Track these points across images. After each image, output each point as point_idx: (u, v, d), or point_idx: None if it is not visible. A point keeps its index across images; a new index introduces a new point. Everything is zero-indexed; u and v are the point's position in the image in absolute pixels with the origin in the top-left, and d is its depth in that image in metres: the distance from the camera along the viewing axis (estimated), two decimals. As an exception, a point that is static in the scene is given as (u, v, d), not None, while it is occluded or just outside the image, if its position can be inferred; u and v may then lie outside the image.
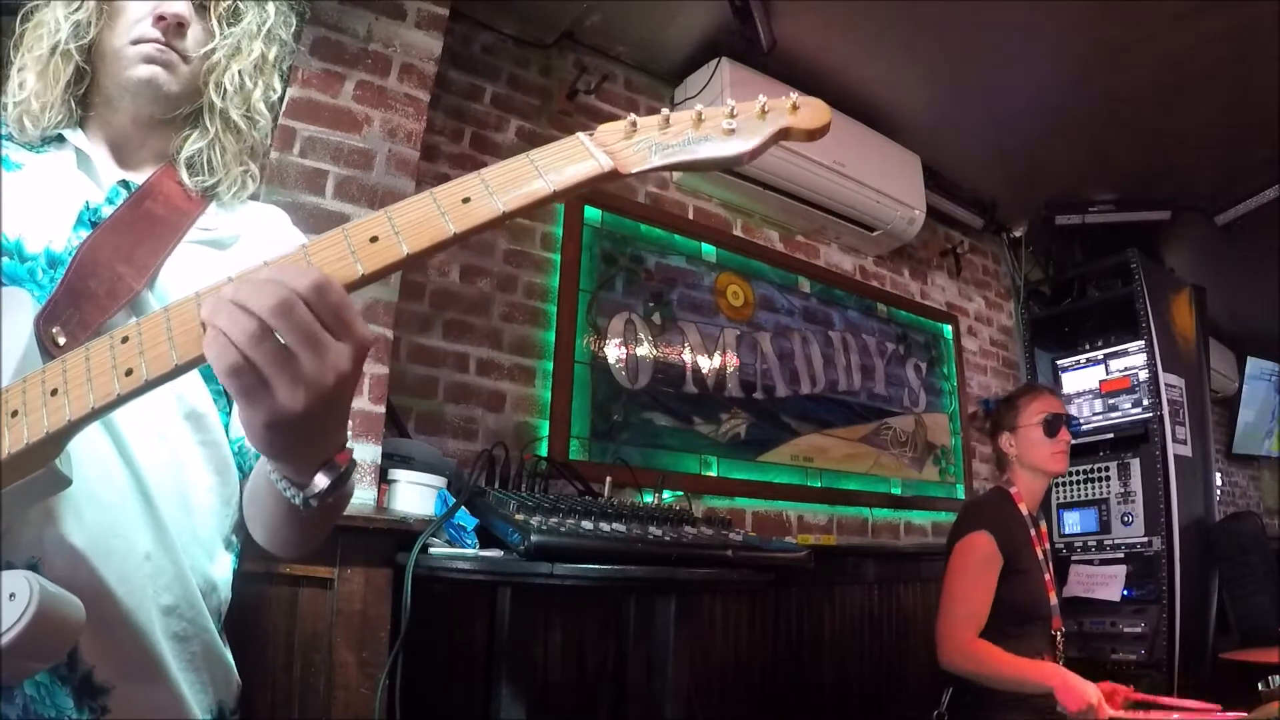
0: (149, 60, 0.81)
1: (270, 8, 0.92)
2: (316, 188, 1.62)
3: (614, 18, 2.36)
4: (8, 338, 0.65)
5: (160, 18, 0.81)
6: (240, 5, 0.89)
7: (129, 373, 0.55)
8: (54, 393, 0.57)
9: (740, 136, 0.59)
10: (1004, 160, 3.14)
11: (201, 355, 0.54)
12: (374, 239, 0.56)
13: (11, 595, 0.54)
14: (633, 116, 0.61)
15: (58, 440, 0.58)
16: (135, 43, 0.81)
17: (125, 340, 0.57)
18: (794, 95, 0.62)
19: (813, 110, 0.62)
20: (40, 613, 0.54)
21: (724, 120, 0.60)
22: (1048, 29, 2.35)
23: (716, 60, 2.41)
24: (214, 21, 0.86)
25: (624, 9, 2.32)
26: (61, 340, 0.68)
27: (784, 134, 0.61)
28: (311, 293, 0.51)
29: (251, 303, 0.50)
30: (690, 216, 2.60)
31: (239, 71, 0.87)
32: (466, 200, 0.57)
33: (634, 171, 0.59)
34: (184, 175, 0.86)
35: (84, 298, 0.72)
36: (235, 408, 0.83)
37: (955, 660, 1.77)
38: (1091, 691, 1.59)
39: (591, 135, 0.60)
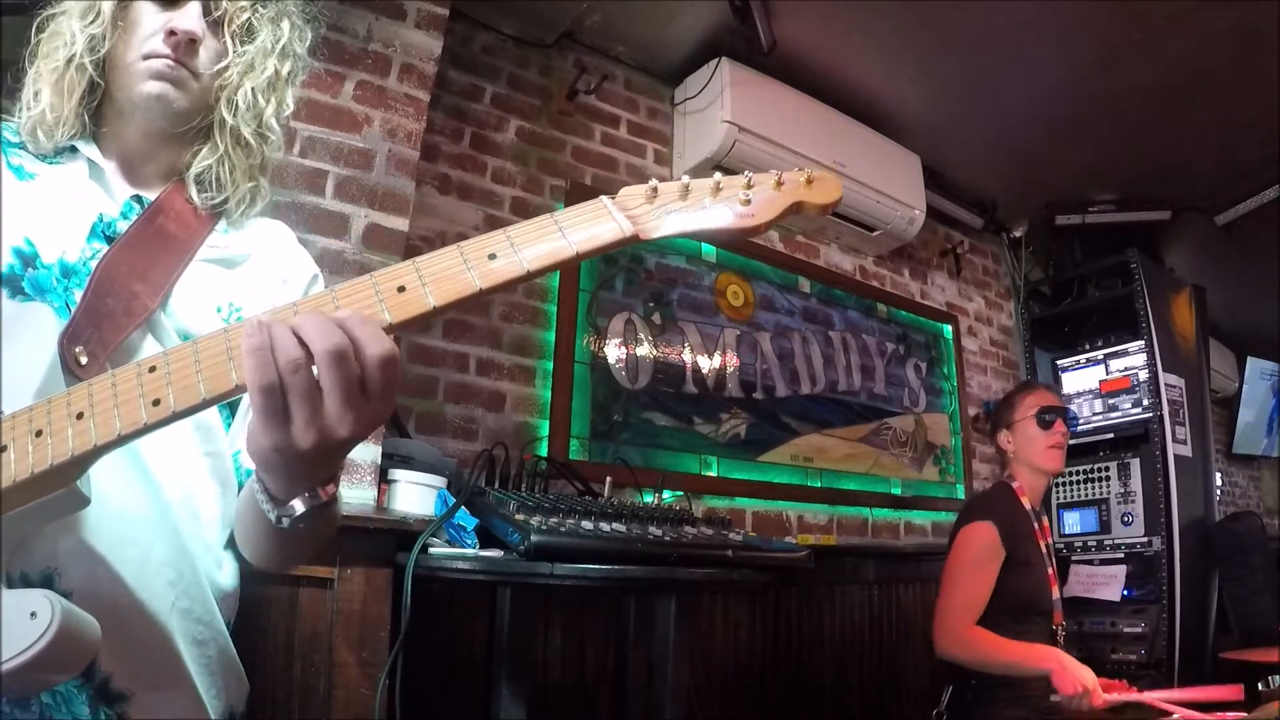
0: (159, 76, 0.82)
1: (285, 25, 0.91)
2: (316, 188, 1.62)
3: (614, 18, 2.36)
4: (33, 355, 0.66)
5: (171, 33, 0.81)
6: (254, 23, 0.88)
7: (157, 403, 0.57)
8: (80, 416, 0.58)
9: (755, 207, 0.62)
10: (1004, 160, 3.14)
11: (229, 390, 0.56)
12: (401, 289, 0.57)
13: (33, 614, 0.55)
14: (654, 182, 0.63)
15: (82, 463, 0.59)
16: (146, 58, 0.81)
17: (153, 370, 0.58)
18: (808, 169, 0.64)
19: (826, 185, 0.64)
20: (61, 632, 0.56)
21: (741, 191, 0.62)
22: (1048, 29, 2.35)
23: (716, 60, 2.41)
24: (227, 39, 0.86)
25: (624, 9, 2.32)
26: (83, 360, 0.69)
27: (798, 207, 0.63)
28: (374, 361, 0.53)
29: (311, 337, 0.52)
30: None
31: (252, 89, 0.87)
32: (492, 256, 0.58)
33: (653, 236, 0.61)
34: (193, 192, 0.86)
35: (103, 316, 0.72)
36: (235, 419, 0.84)
37: (951, 648, 1.76)
38: (1088, 676, 1.59)
39: (614, 199, 0.62)
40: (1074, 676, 1.59)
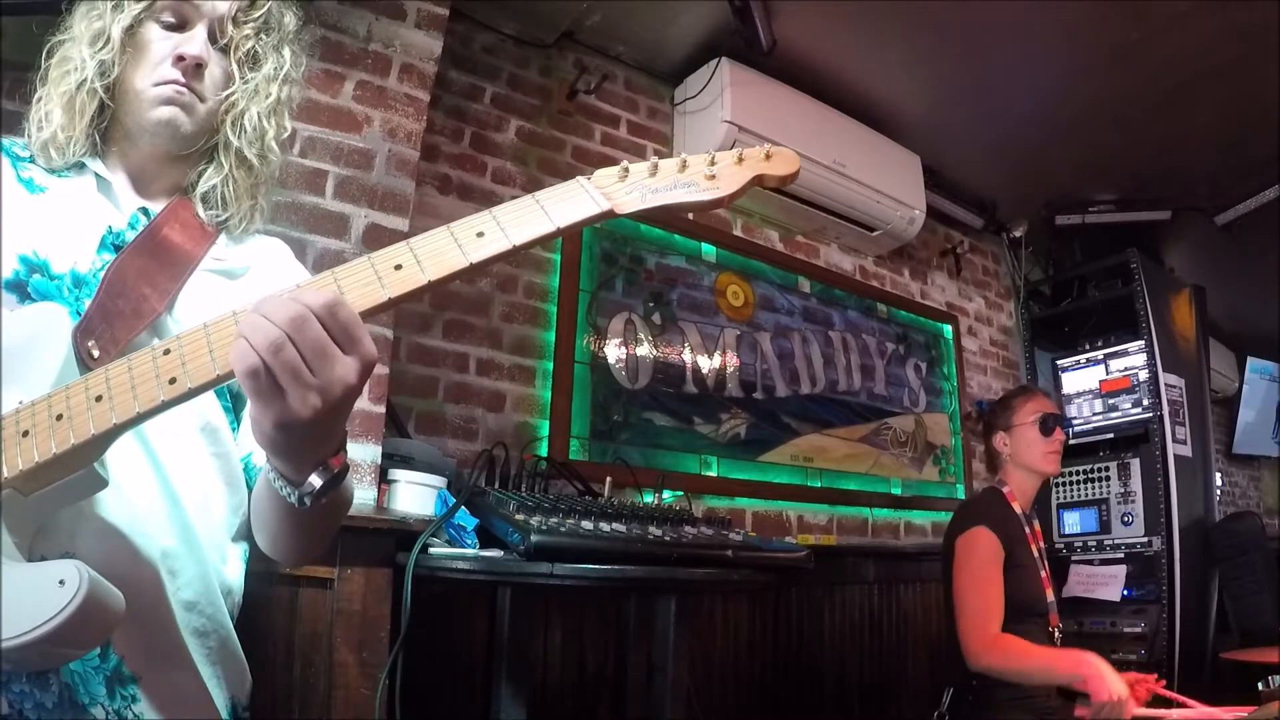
0: (169, 102, 0.85)
1: (287, 53, 0.96)
2: (316, 188, 1.62)
3: (614, 18, 2.36)
4: (48, 349, 0.70)
5: (180, 59, 0.85)
6: (259, 50, 0.92)
7: (173, 381, 0.60)
8: (98, 399, 0.61)
9: (720, 181, 0.68)
10: (1004, 160, 3.14)
11: None
12: (398, 266, 0.62)
13: (61, 581, 0.58)
14: (625, 163, 0.69)
15: (102, 443, 0.62)
16: (157, 84, 0.85)
17: (167, 352, 0.61)
18: (767, 145, 0.71)
19: (784, 158, 0.71)
20: (88, 599, 0.58)
21: (706, 167, 0.68)
22: (1048, 29, 2.35)
23: (716, 60, 2.41)
24: (234, 65, 0.90)
25: (624, 9, 2.32)
26: (96, 354, 0.72)
27: (759, 180, 0.70)
28: (324, 310, 0.57)
29: (272, 315, 0.55)
30: (690, 216, 2.60)
31: (258, 113, 0.91)
32: (480, 235, 0.63)
33: (627, 212, 0.66)
34: (199, 209, 0.90)
35: (114, 315, 0.76)
36: (242, 423, 0.88)
37: (985, 657, 1.74)
38: (1122, 686, 1.58)
39: (590, 178, 0.67)
40: (1108, 684, 1.57)
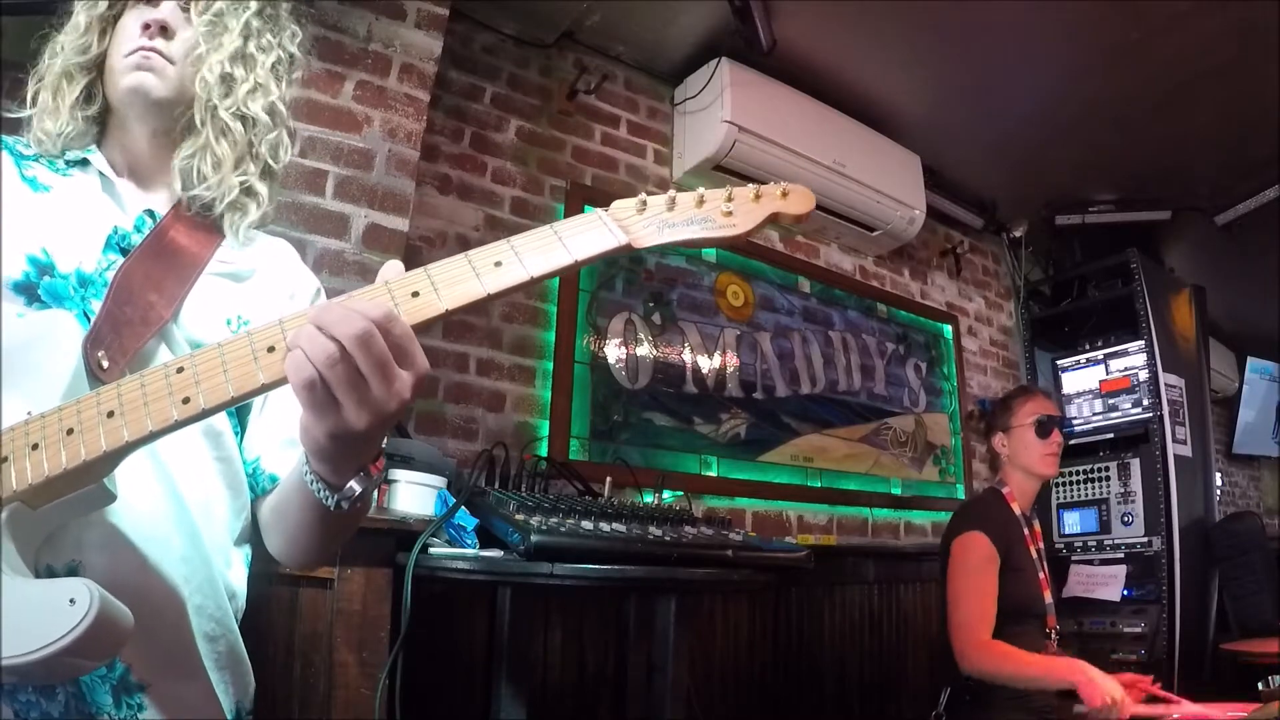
0: (137, 67, 0.85)
1: (253, 4, 0.93)
2: (317, 188, 1.62)
3: (614, 18, 2.36)
4: (57, 358, 0.69)
5: (145, 25, 0.85)
6: (223, 6, 0.90)
7: (186, 400, 0.60)
8: (110, 415, 0.61)
9: (736, 219, 0.68)
10: (1004, 160, 3.14)
11: (255, 389, 0.60)
12: (415, 294, 0.62)
13: (72, 600, 0.57)
14: (643, 195, 0.69)
15: (113, 459, 0.62)
16: (127, 55, 0.85)
17: (180, 370, 0.61)
18: (784, 183, 0.71)
19: (800, 197, 0.70)
20: (99, 617, 0.57)
21: (723, 203, 0.68)
22: (1048, 29, 2.35)
23: (716, 60, 2.41)
24: (195, 20, 0.89)
25: (624, 9, 2.32)
26: (105, 364, 0.72)
27: (774, 218, 0.70)
28: (384, 324, 0.57)
29: (335, 329, 0.55)
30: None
31: (219, 62, 0.88)
32: (498, 264, 0.64)
33: (644, 246, 0.67)
34: (177, 185, 0.87)
35: (122, 324, 0.75)
36: (249, 428, 0.88)
37: (977, 662, 1.74)
38: (1115, 688, 1.58)
39: (608, 210, 0.67)
40: (1101, 689, 1.58)
